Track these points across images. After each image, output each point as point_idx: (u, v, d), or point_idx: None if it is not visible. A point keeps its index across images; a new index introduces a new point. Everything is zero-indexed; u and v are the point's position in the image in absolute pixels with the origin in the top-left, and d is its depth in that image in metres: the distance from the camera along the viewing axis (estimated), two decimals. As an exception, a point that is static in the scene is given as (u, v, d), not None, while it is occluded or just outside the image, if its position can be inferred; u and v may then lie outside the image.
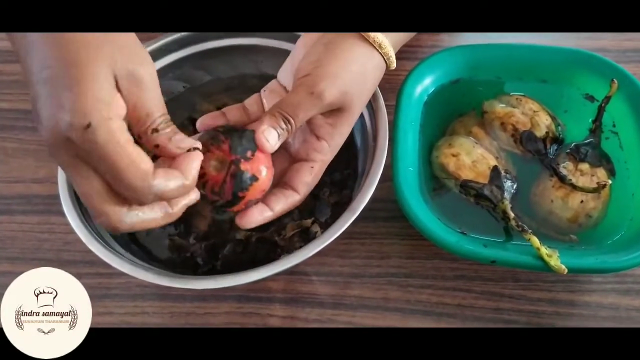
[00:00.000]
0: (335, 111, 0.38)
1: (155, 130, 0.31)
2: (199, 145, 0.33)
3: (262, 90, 0.42)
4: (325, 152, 0.39)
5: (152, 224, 0.32)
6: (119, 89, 0.29)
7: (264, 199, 0.38)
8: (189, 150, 0.32)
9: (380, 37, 0.39)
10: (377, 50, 0.39)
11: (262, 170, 0.36)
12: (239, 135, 0.36)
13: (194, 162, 0.32)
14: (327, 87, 0.37)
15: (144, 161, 0.29)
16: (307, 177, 0.39)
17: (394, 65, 0.41)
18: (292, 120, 0.36)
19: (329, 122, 0.39)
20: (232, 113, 0.41)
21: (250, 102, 0.42)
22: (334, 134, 0.39)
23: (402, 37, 0.43)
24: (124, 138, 0.29)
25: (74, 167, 0.29)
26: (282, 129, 0.36)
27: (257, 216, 0.37)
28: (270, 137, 0.35)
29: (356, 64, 0.38)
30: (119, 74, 0.29)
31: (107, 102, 0.28)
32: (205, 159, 0.34)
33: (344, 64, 0.38)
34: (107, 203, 0.30)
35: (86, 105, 0.27)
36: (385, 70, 0.41)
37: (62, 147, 0.28)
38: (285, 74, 0.42)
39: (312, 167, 0.39)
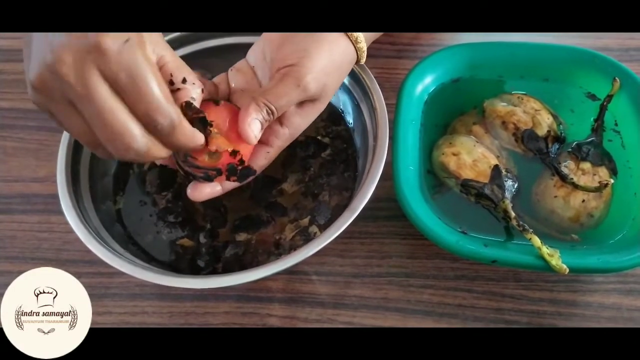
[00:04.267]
0: (308, 102, 0.39)
1: (193, 83, 0.34)
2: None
3: (229, 70, 0.42)
4: (284, 138, 0.40)
5: (161, 154, 0.34)
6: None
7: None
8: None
9: (357, 33, 0.39)
10: (353, 45, 0.40)
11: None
12: None
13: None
14: (313, 80, 0.37)
15: (168, 90, 0.32)
16: (262, 161, 0.40)
17: (364, 59, 0.41)
18: (275, 112, 0.37)
19: (299, 111, 0.39)
20: (207, 87, 0.40)
21: (218, 80, 0.42)
22: (300, 122, 0.39)
23: (372, 35, 0.43)
24: (154, 63, 0.31)
25: (89, 85, 0.29)
26: (265, 120, 0.37)
27: (207, 189, 0.38)
28: (255, 128, 0.36)
29: (338, 56, 0.39)
30: (148, 37, 0.31)
31: (142, 33, 0.31)
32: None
33: (329, 56, 0.38)
34: (125, 122, 0.31)
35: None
36: (354, 64, 0.42)
37: (80, 62, 0.29)
38: (255, 55, 0.42)
39: (268, 152, 0.39)
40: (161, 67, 0.33)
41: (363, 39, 0.40)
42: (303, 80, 0.37)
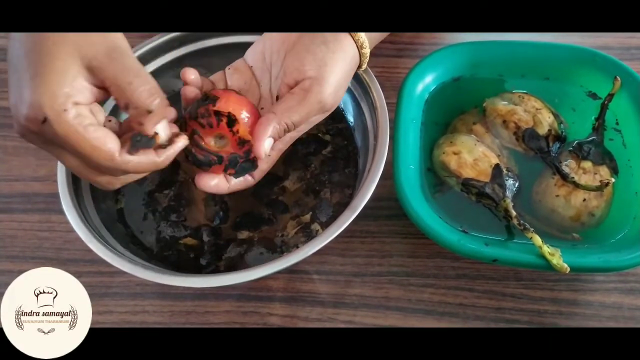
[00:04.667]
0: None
1: (134, 107, 0.32)
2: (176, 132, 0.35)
3: (227, 68, 0.42)
4: (286, 141, 0.40)
5: (143, 174, 0.35)
6: (91, 69, 0.30)
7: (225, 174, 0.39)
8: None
9: (363, 37, 0.39)
10: (358, 50, 0.40)
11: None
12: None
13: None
14: (331, 94, 0.37)
15: (109, 142, 0.31)
16: (264, 165, 0.40)
17: (365, 65, 0.42)
18: (291, 129, 0.37)
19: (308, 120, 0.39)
20: (205, 84, 0.41)
21: (216, 78, 0.42)
22: (304, 128, 0.39)
23: (377, 37, 0.43)
24: (84, 124, 0.30)
25: (49, 150, 0.32)
26: (279, 137, 0.37)
27: (215, 180, 0.38)
28: (268, 146, 0.37)
29: (349, 65, 0.39)
30: (90, 54, 0.30)
31: (64, 94, 0.29)
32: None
33: (343, 66, 0.38)
34: (92, 174, 0.33)
35: (41, 99, 0.29)
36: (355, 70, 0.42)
37: (31, 134, 0.30)
38: (254, 56, 0.42)
39: (269, 155, 0.39)
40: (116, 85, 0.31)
41: (368, 44, 0.40)
42: (324, 96, 0.37)
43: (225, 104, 0.37)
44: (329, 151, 0.48)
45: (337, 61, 0.38)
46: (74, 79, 0.30)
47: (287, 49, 0.39)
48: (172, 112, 0.34)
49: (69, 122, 0.29)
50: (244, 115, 0.37)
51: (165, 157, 0.33)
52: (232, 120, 0.37)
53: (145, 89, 0.31)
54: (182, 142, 0.34)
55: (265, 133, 0.36)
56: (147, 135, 0.32)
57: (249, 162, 0.38)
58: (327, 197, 0.46)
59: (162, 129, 0.33)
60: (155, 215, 0.46)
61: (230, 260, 0.44)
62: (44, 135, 0.30)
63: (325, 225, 0.43)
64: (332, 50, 0.38)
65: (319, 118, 0.40)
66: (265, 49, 0.41)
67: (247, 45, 0.43)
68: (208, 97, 0.37)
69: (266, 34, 0.41)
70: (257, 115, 0.38)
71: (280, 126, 0.37)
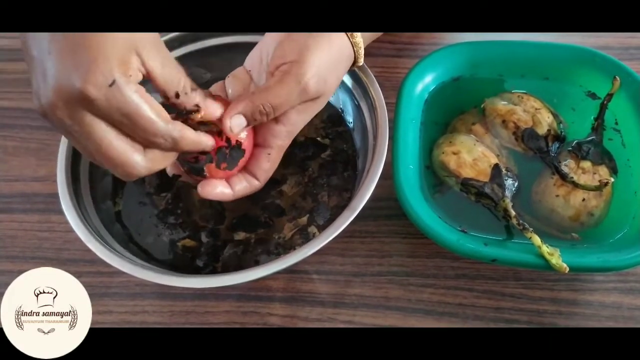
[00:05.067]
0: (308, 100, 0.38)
1: (185, 93, 0.33)
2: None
3: (227, 77, 0.42)
4: (282, 137, 0.39)
5: (165, 163, 0.34)
6: (140, 56, 0.31)
7: (228, 179, 0.38)
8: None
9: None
10: (349, 39, 0.39)
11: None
12: None
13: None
14: (314, 77, 0.36)
15: (162, 109, 0.32)
16: (265, 164, 0.39)
17: (361, 60, 0.41)
18: (272, 112, 0.36)
19: (297, 107, 0.38)
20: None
21: (216, 89, 0.42)
22: (298, 119, 0.39)
23: (370, 35, 0.42)
24: (144, 92, 0.31)
25: (84, 125, 0.30)
26: (254, 119, 0.36)
27: (218, 187, 0.38)
28: (236, 123, 0.36)
29: (336, 51, 0.38)
30: (140, 44, 0.31)
31: (127, 62, 0.30)
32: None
33: (328, 51, 0.38)
34: (125, 152, 0.32)
35: (108, 64, 0.29)
36: (352, 66, 0.41)
37: (71, 107, 0.29)
38: (252, 60, 0.41)
39: (269, 153, 0.39)
40: (153, 80, 0.32)
41: (361, 39, 0.39)
42: (304, 78, 0.36)
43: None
44: (328, 154, 0.48)
45: (319, 46, 0.37)
46: (131, 57, 0.30)
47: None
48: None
49: (135, 87, 0.30)
50: (214, 106, 0.36)
51: (207, 138, 0.35)
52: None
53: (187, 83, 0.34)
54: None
55: (233, 109, 0.36)
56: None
57: (235, 149, 0.37)
58: (324, 201, 0.46)
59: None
60: (153, 218, 0.46)
61: (226, 261, 0.44)
62: (103, 103, 0.29)
63: (323, 229, 0.43)
64: (313, 36, 0.37)
65: (312, 109, 0.39)
66: (262, 52, 0.40)
67: (247, 45, 0.43)
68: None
69: (263, 39, 0.41)
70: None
71: (254, 104, 0.36)
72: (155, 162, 0.33)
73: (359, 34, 0.39)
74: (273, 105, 0.36)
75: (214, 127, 0.36)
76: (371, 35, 0.42)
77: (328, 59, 0.38)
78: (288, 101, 0.37)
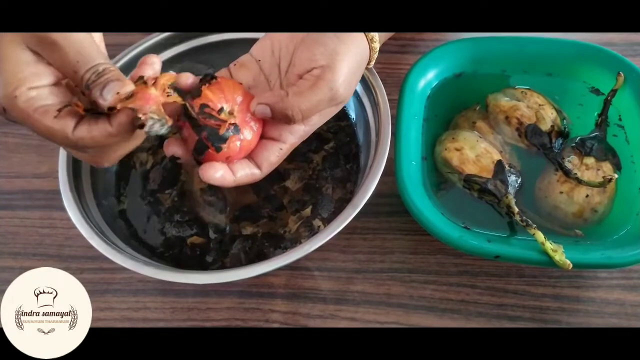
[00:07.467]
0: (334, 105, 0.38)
1: (87, 87, 0.31)
2: (128, 88, 0.32)
3: (232, 64, 0.41)
4: (299, 135, 0.38)
5: (109, 140, 0.33)
6: (36, 54, 0.31)
7: (230, 164, 0.37)
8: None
9: (374, 32, 0.39)
10: (369, 44, 0.39)
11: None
12: None
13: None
14: (343, 83, 0.37)
15: (57, 122, 0.31)
16: (274, 158, 0.38)
17: (374, 61, 0.41)
18: (299, 120, 0.36)
19: (322, 111, 0.38)
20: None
21: (220, 75, 0.41)
22: (318, 122, 0.39)
23: (386, 33, 0.42)
24: (34, 107, 0.31)
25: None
26: (279, 120, 0.36)
27: (220, 171, 0.36)
28: (261, 109, 0.36)
29: (361, 57, 0.39)
30: (32, 44, 0.31)
31: (17, 80, 0.30)
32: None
33: (355, 57, 0.38)
34: (72, 153, 0.35)
35: (5, 76, 0.30)
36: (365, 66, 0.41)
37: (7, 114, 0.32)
38: (263, 51, 0.41)
39: (281, 148, 0.38)
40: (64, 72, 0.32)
41: (377, 39, 0.39)
42: (335, 84, 0.36)
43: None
44: (331, 147, 0.48)
45: (349, 51, 0.37)
46: (28, 65, 0.31)
47: (296, 43, 0.39)
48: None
49: (20, 107, 0.30)
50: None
51: (117, 124, 0.32)
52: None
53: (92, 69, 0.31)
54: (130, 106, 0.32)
55: (266, 98, 0.36)
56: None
57: (232, 127, 0.36)
58: (328, 193, 0.46)
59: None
60: (160, 216, 0.46)
61: (235, 256, 0.44)
62: (10, 120, 0.31)
63: (327, 221, 0.43)
64: (344, 41, 0.37)
65: (332, 112, 0.39)
66: (274, 43, 0.40)
67: (248, 41, 0.43)
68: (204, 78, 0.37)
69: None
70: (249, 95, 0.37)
71: (285, 105, 0.35)
72: (111, 153, 0.34)
73: (377, 38, 0.39)
74: (302, 111, 0.36)
75: (212, 110, 0.35)
76: (384, 37, 0.42)
77: (354, 64, 0.38)
78: (318, 107, 0.37)
